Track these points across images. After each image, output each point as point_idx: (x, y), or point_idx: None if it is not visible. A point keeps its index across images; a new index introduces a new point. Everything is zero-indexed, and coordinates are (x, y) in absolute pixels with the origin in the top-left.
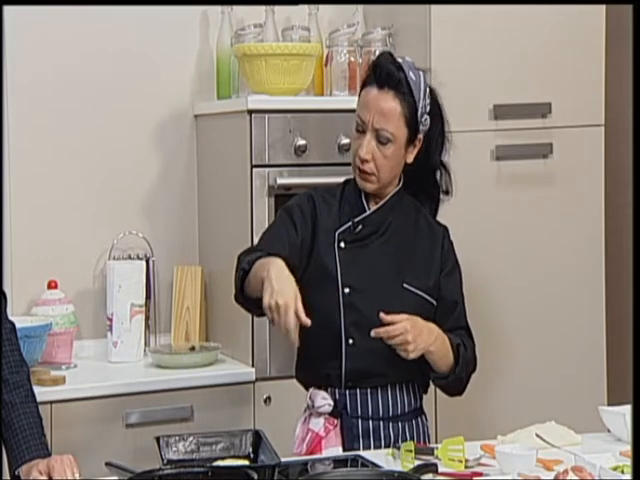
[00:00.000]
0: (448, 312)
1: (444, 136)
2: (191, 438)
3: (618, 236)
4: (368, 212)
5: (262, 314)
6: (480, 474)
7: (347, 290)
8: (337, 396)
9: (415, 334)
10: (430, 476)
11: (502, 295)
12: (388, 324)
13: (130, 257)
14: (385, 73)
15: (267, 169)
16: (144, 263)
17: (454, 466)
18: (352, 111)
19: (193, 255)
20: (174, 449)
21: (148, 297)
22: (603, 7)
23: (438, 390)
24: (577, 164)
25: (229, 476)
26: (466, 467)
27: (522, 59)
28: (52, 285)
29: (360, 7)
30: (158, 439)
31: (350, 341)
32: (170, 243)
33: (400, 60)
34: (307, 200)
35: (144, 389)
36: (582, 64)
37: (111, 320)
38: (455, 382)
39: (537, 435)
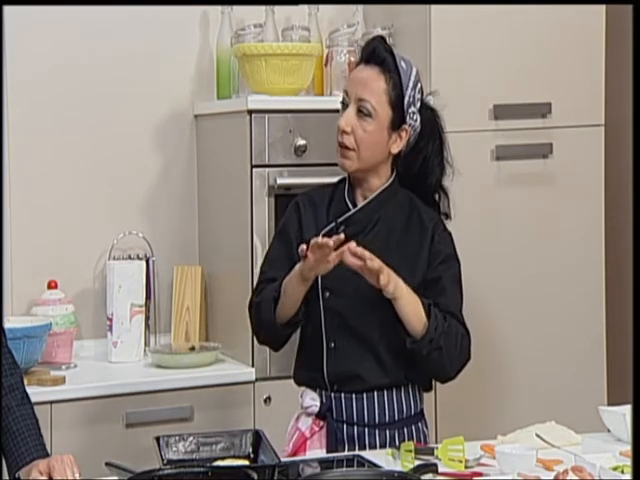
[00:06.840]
0: (434, 295)
1: (443, 157)
2: (191, 438)
3: (618, 236)
4: (351, 211)
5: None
6: (480, 474)
7: (327, 294)
8: (324, 398)
9: (387, 270)
10: (430, 476)
11: (502, 295)
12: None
13: (130, 257)
14: (372, 48)
15: (267, 169)
16: (144, 263)
17: (454, 466)
18: None
19: (193, 255)
20: (174, 449)
21: (148, 297)
22: (603, 7)
23: (438, 390)
24: (577, 164)
25: (229, 476)
26: (466, 467)
27: (522, 59)
28: (52, 285)
29: (360, 7)
30: (158, 439)
31: (332, 345)
32: (170, 243)
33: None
34: (293, 209)
35: (144, 389)
36: (582, 64)
37: (111, 320)
38: (434, 349)
39: (537, 435)
